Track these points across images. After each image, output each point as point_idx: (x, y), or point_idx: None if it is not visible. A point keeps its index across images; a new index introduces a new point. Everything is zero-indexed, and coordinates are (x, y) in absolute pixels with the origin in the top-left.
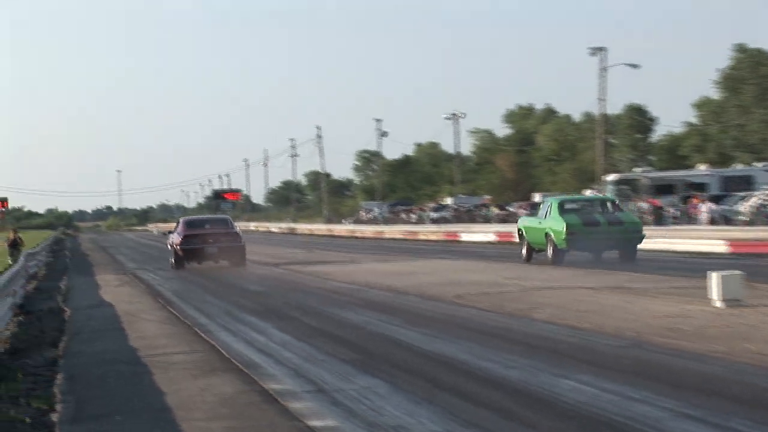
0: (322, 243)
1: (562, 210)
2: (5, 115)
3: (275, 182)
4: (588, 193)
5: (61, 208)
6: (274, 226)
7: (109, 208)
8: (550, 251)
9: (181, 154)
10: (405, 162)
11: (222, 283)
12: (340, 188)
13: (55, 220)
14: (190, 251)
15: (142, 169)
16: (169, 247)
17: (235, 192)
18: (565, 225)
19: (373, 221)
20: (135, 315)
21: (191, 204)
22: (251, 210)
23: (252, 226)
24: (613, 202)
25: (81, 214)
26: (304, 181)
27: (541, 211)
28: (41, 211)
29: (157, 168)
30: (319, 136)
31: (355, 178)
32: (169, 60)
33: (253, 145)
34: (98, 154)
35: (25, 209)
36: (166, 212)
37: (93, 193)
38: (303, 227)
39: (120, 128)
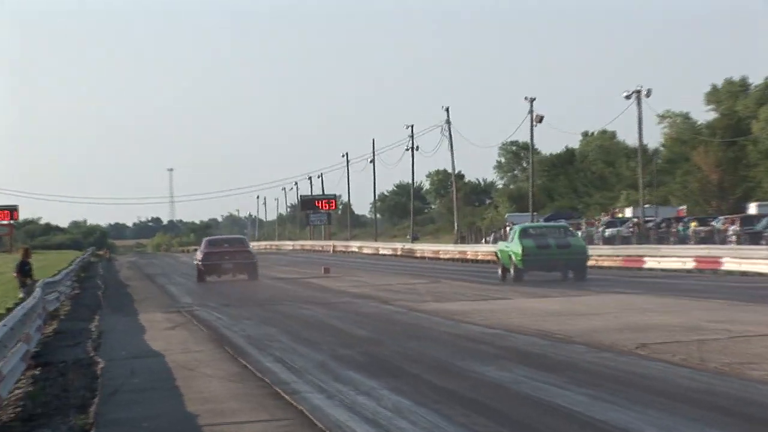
0: (452, 270)
1: (522, 235)
2: (17, 102)
3: (385, 186)
4: None
5: (92, 221)
6: (385, 247)
7: (156, 221)
8: (511, 271)
9: (256, 149)
10: (567, 158)
11: (312, 324)
12: (477, 194)
13: (84, 237)
14: (210, 266)
15: (203, 169)
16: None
17: (330, 199)
18: (521, 248)
19: None
20: (193, 369)
21: (269, 215)
22: (354, 224)
23: (354, 246)
24: (566, 229)
25: (118, 229)
26: (425, 184)
27: (509, 236)
28: (64, 224)
29: (223, 168)
30: (448, 122)
31: (498, 181)
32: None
33: (357, 138)
34: (143, 150)
35: (42, 221)
36: (234, 225)
37: (134, 200)
38: (425, 248)
39: (173, 119)
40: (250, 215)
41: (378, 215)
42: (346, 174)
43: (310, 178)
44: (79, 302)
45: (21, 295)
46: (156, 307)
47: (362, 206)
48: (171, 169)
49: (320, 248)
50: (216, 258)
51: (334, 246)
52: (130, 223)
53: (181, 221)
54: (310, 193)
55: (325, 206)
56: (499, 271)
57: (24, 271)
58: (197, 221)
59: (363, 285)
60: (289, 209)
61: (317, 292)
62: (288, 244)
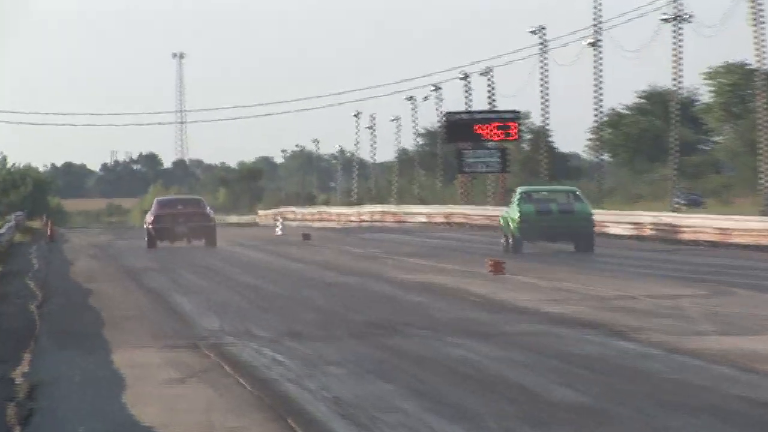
0: (756, 268)
1: (522, 200)
2: None
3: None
4: None
5: (18, 160)
6: (619, 221)
7: (149, 160)
8: (510, 240)
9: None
10: None
11: (467, 378)
12: None
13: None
14: (161, 230)
15: (236, 59)
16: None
17: (507, 120)
18: (519, 213)
19: None
20: None
21: (381, 151)
22: (558, 171)
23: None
24: (574, 193)
25: (72, 177)
26: (700, 91)
27: (513, 203)
28: None
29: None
30: None
31: None
32: None
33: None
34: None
35: None
36: (308, 169)
37: (104, 116)
38: (702, 223)
39: None
40: (342, 151)
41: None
42: (540, 63)
43: (465, 75)
44: None
45: None
46: (148, 335)
47: (568, 138)
48: (180, 56)
49: (484, 218)
50: (168, 221)
51: None
52: (95, 165)
53: (199, 163)
54: (465, 108)
55: (496, 134)
56: (502, 241)
57: None
58: (230, 163)
59: (570, 296)
60: (419, 140)
61: (479, 311)
62: (418, 212)
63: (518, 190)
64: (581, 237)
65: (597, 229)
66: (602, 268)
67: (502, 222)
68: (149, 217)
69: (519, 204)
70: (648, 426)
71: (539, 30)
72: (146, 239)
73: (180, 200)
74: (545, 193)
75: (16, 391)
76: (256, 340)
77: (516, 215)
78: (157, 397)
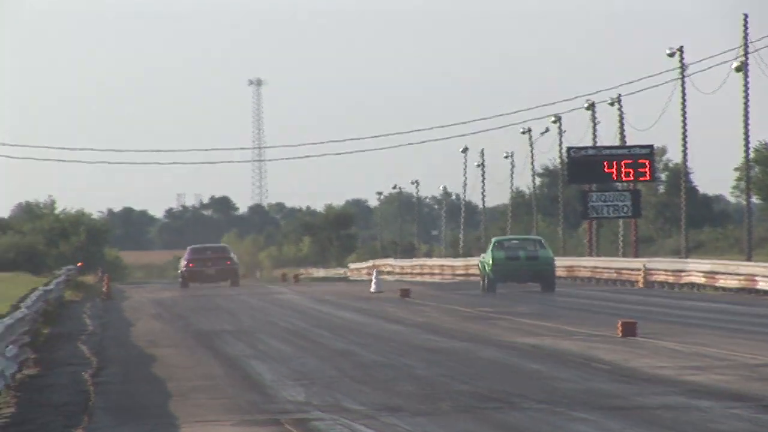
0: None
1: (495, 247)
2: None
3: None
4: None
5: (69, 204)
6: None
7: (220, 204)
8: (485, 281)
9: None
10: None
11: None
12: None
13: (48, 240)
14: (194, 272)
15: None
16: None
17: (639, 156)
18: (492, 259)
19: None
20: None
21: (494, 195)
22: (697, 216)
23: (696, 270)
24: (540, 242)
25: (132, 225)
26: None
27: (488, 250)
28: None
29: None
30: None
31: None
32: None
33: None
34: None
35: None
36: (405, 215)
37: (168, 154)
38: None
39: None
40: (446, 193)
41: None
42: (680, 90)
43: (591, 104)
44: (37, 397)
45: None
46: (221, 409)
47: (713, 178)
48: (258, 83)
49: (613, 272)
50: (199, 265)
51: (645, 269)
52: (158, 211)
53: (280, 207)
54: (591, 143)
55: (626, 173)
56: (481, 283)
57: None
58: (316, 207)
59: (713, 363)
60: (536, 181)
61: (608, 380)
62: None
63: (493, 239)
64: (544, 278)
65: (745, 284)
66: (750, 330)
67: (480, 266)
68: (183, 262)
69: (492, 251)
70: None
71: (677, 52)
72: (180, 281)
73: (209, 248)
74: (515, 242)
75: None
76: (348, 414)
77: (490, 260)
78: None
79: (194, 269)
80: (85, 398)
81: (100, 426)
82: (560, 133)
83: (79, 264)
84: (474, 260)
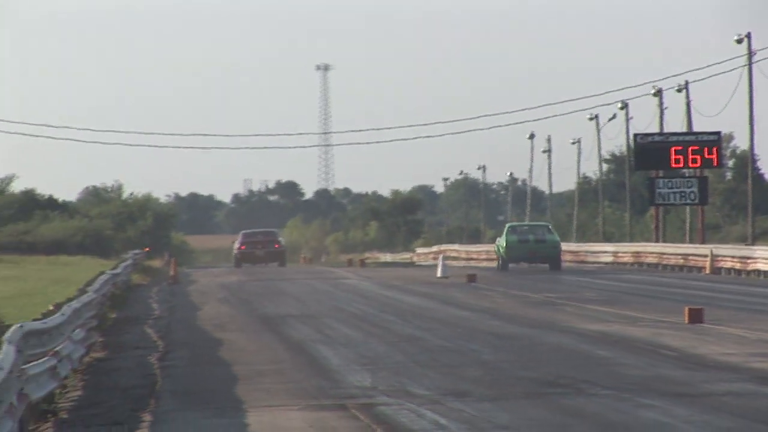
0: None
1: (509, 232)
2: None
3: None
4: None
5: (135, 188)
6: None
7: (287, 189)
8: (500, 261)
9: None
10: None
11: None
12: None
13: (117, 224)
14: (246, 254)
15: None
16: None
17: (706, 142)
18: (506, 242)
19: None
20: None
21: (561, 179)
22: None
23: (763, 256)
24: (548, 227)
25: (198, 209)
26: None
27: (503, 235)
28: (69, 195)
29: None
30: None
31: None
32: None
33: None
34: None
35: (17, 185)
36: (471, 200)
37: (233, 138)
38: None
39: None
40: (513, 179)
41: None
42: (747, 77)
43: (658, 91)
44: (105, 380)
45: None
46: (287, 393)
47: None
48: (325, 68)
49: (680, 258)
50: (251, 247)
51: (712, 256)
52: (225, 196)
53: (346, 192)
54: (658, 130)
55: (693, 160)
56: (497, 263)
57: None
58: (383, 192)
59: None
60: (603, 167)
61: (674, 367)
62: (602, 250)
63: (507, 225)
64: (551, 259)
65: None
66: None
67: (496, 248)
68: (236, 245)
69: (506, 235)
70: None
71: (746, 38)
72: (234, 262)
73: (259, 232)
74: (526, 227)
75: None
76: (414, 399)
77: (504, 243)
78: None
79: (246, 251)
80: (152, 382)
81: (166, 409)
82: (627, 119)
83: (147, 249)
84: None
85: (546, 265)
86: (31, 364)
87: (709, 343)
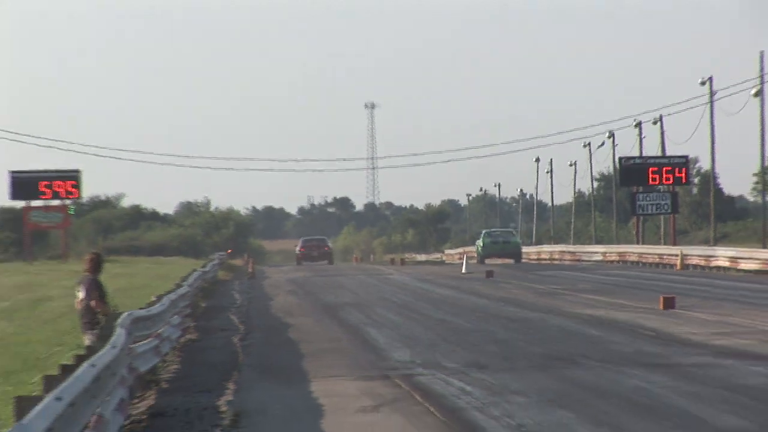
0: None
1: (485, 236)
2: None
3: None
4: None
5: (219, 203)
6: None
7: (342, 204)
8: (478, 257)
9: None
10: None
11: (649, 411)
12: None
13: (205, 232)
14: (305, 254)
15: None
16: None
17: (676, 165)
18: (482, 243)
19: None
20: None
21: (562, 192)
22: (723, 212)
23: (723, 255)
24: (511, 232)
25: (271, 220)
26: None
27: (480, 238)
28: (166, 208)
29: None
30: None
31: None
32: None
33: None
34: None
35: (125, 202)
36: (489, 212)
37: (298, 163)
38: None
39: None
40: (522, 194)
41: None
42: (709, 111)
43: (638, 123)
44: (197, 357)
45: (87, 343)
46: (344, 367)
47: (736, 181)
48: (372, 106)
49: (656, 257)
50: (308, 249)
51: (682, 255)
52: (293, 209)
53: (389, 206)
54: (639, 154)
55: (666, 178)
56: (475, 258)
57: (96, 296)
58: (418, 205)
59: (737, 330)
60: (595, 184)
61: (652, 344)
62: (594, 251)
63: (483, 231)
64: (514, 255)
65: (763, 266)
66: (767, 303)
67: (476, 247)
68: (297, 248)
69: (483, 238)
70: None
71: (708, 81)
72: (296, 260)
73: (314, 238)
74: (497, 232)
75: (222, 419)
76: (444, 370)
77: (482, 244)
78: (352, 425)
79: (304, 252)
80: (235, 358)
81: (247, 379)
82: (614, 146)
83: (229, 251)
84: (546, 248)
85: (512, 260)
86: (139, 343)
87: (679, 324)
